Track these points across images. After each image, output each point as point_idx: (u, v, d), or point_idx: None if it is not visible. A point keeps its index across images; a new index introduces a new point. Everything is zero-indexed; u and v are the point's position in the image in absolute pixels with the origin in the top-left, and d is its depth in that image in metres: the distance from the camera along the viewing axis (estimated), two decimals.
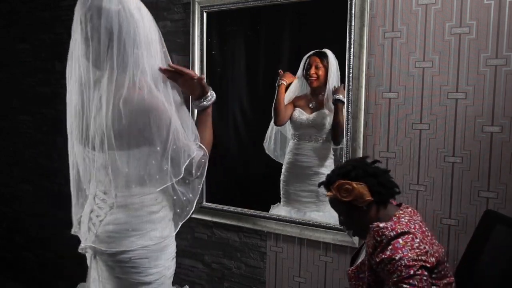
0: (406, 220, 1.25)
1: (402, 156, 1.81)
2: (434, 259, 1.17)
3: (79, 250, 1.40)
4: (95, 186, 1.37)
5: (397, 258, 1.14)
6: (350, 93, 1.84)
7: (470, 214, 1.70)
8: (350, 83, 1.84)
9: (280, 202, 2.11)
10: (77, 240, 1.44)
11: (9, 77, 3.15)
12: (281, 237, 2.12)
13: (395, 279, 1.14)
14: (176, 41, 2.33)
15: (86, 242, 1.36)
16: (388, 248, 1.17)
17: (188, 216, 1.40)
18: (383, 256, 1.17)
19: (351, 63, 1.83)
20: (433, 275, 1.18)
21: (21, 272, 3.31)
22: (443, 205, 1.75)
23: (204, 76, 1.55)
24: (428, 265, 1.14)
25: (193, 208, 1.40)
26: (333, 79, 1.91)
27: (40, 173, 3.05)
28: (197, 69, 2.23)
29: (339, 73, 1.90)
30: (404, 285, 1.12)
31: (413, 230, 1.21)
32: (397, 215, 1.28)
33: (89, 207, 1.39)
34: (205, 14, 2.20)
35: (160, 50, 1.32)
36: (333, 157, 1.99)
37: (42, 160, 3.03)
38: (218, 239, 2.33)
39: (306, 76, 1.97)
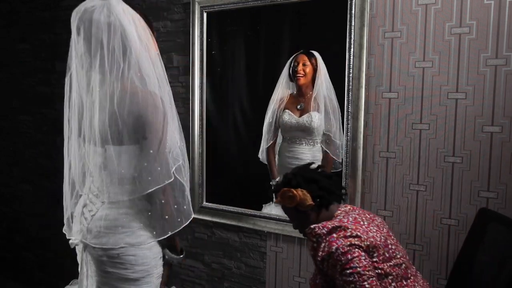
0: (341, 217, 1.33)
1: (402, 156, 1.81)
2: (368, 242, 1.24)
3: (70, 243, 1.43)
4: (90, 181, 1.40)
5: (333, 250, 1.21)
6: (350, 93, 1.84)
7: (470, 214, 1.70)
8: (350, 83, 1.84)
9: (272, 201, 2.10)
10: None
11: (9, 77, 3.15)
12: (281, 237, 2.12)
13: (339, 270, 1.21)
14: (176, 41, 2.33)
15: (77, 236, 1.40)
16: (325, 245, 1.24)
17: (178, 229, 1.34)
18: (323, 253, 1.24)
19: (351, 63, 1.83)
20: (374, 259, 1.24)
21: (21, 272, 3.31)
22: (443, 205, 1.75)
23: None
24: (364, 246, 1.22)
25: (185, 222, 1.34)
26: (322, 81, 1.91)
27: (40, 173, 3.05)
28: (197, 69, 2.23)
29: (329, 80, 1.90)
30: (348, 271, 1.18)
31: (345, 223, 1.28)
32: (335, 215, 1.38)
33: (82, 201, 1.43)
34: (205, 14, 2.20)
35: (153, 54, 1.33)
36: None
37: (42, 160, 3.03)
38: (218, 239, 2.33)
39: (293, 73, 1.96)
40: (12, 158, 3.22)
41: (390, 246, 1.30)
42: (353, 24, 1.81)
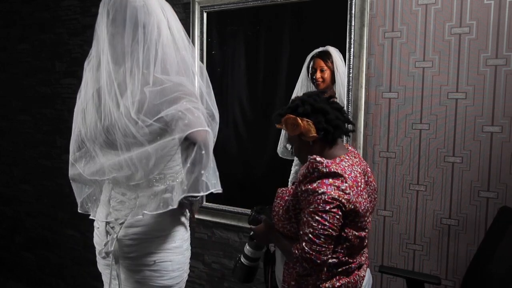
0: (346, 165, 1.28)
1: (402, 156, 1.81)
2: (352, 206, 1.22)
3: (98, 255, 1.35)
4: (110, 188, 1.32)
5: (320, 192, 1.19)
6: (350, 93, 1.84)
7: (470, 214, 1.70)
8: (350, 83, 1.84)
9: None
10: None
11: (9, 77, 3.15)
12: None
13: (311, 209, 1.19)
14: None
15: (107, 247, 1.30)
16: (316, 182, 1.21)
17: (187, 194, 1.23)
18: (309, 186, 1.21)
19: (351, 63, 1.83)
20: (347, 221, 1.24)
21: (21, 272, 3.31)
22: (443, 205, 1.75)
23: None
24: (345, 209, 1.20)
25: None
26: (341, 76, 1.89)
27: (40, 173, 3.05)
28: (197, 69, 2.23)
29: (345, 68, 1.87)
30: (317, 217, 1.18)
31: (346, 175, 1.24)
32: (341, 158, 1.31)
33: (103, 211, 1.34)
34: (205, 14, 2.20)
35: (186, 46, 1.30)
36: None
37: (42, 160, 3.03)
38: (218, 239, 2.32)
39: (312, 80, 1.95)
40: (12, 158, 3.23)
41: (366, 219, 1.29)
42: (353, 24, 1.81)
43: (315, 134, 1.30)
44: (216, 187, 1.27)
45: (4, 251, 3.40)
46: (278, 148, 2.08)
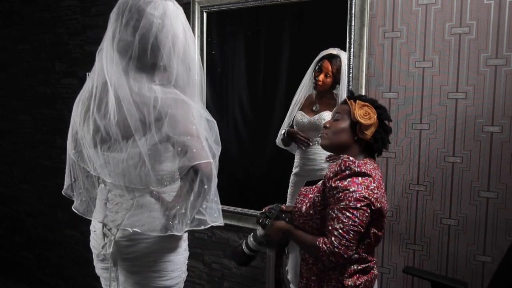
0: (371, 167, 1.32)
1: (402, 156, 1.81)
2: (379, 205, 1.27)
3: (97, 258, 1.36)
4: (106, 191, 1.32)
5: (351, 190, 1.24)
6: None
7: (470, 214, 1.70)
8: (350, 83, 1.84)
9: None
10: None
11: (9, 77, 3.15)
12: None
13: (341, 206, 1.24)
14: None
15: (105, 249, 1.30)
16: (347, 180, 1.26)
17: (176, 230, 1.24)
18: (340, 184, 1.26)
19: (351, 63, 1.83)
20: (371, 219, 1.28)
21: (21, 272, 3.31)
22: (443, 205, 1.75)
23: None
24: (373, 207, 1.25)
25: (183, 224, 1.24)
26: (345, 83, 1.87)
27: (40, 173, 3.05)
28: (196, 69, 2.23)
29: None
30: (348, 213, 1.22)
31: (374, 177, 1.29)
32: (365, 161, 1.34)
33: (100, 214, 1.33)
34: (205, 14, 2.20)
35: (196, 66, 1.33)
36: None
37: (42, 160, 3.03)
38: (218, 239, 2.32)
39: (314, 78, 1.93)
40: (12, 158, 3.23)
41: (385, 219, 1.35)
42: (353, 24, 1.81)
43: (370, 136, 1.34)
44: (217, 221, 1.29)
45: (4, 251, 3.40)
46: (277, 139, 2.06)
